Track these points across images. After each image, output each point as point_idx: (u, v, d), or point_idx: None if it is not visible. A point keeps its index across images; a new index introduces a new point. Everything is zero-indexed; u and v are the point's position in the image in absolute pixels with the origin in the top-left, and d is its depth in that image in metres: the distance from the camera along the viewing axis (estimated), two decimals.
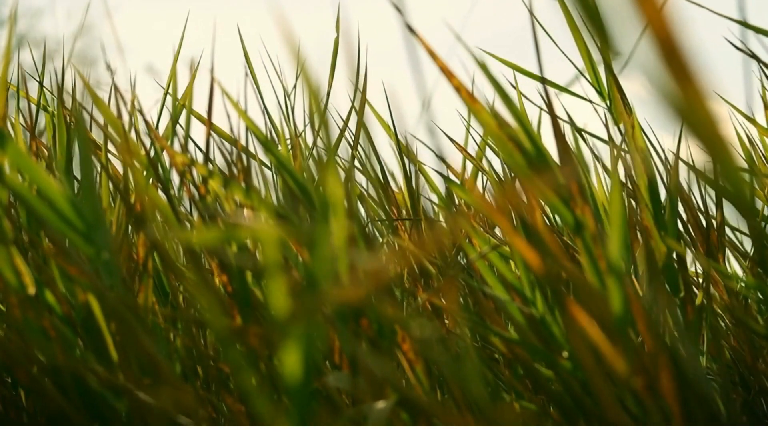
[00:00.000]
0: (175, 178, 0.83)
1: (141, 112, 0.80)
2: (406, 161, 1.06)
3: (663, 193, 0.84)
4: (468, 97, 0.64)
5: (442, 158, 1.30)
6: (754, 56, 0.87)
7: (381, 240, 1.05)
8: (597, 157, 0.91)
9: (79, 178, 0.90)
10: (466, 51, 0.70)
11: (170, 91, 0.90)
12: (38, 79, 0.99)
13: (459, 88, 0.64)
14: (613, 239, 0.61)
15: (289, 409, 0.49)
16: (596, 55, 0.84)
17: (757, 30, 0.84)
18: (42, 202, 0.56)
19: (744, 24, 0.81)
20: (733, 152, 0.34)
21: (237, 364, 0.51)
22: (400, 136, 1.09)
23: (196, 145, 0.96)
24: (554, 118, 0.67)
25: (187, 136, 0.88)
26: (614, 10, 0.34)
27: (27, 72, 1.03)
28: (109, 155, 0.86)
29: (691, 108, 0.32)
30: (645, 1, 0.31)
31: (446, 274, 0.84)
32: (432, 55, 0.64)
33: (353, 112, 1.05)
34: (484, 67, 0.64)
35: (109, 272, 0.56)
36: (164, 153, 0.83)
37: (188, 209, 0.86)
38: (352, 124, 1.05)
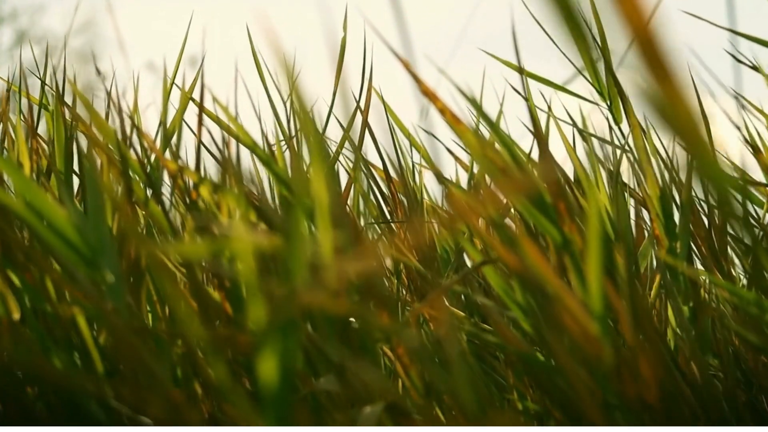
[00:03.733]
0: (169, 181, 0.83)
1: (133, 119, 0.80)
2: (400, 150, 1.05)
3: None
4: (452, 119, 0.63)
5: (448, 149, 1.29)
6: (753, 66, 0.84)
7: (375, 236, 1.05)
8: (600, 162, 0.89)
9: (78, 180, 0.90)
10: (458, 69, 0.68)
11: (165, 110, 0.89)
12: (39, 76, 0.99)
13: (443, 111, 0.63)
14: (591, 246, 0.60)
15: (268, 416, 0.49)
16: (596, 54, 0.82)
17: (747, 37, 0.81)
18: (47, 228, 0.57)
19: (733, 31, 0.79)
20: (710, 148, 0.34)
21: (220, 373, 0.51)
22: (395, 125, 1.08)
23: (203, 145, 0.95)
24: (539, 133, 0.66)
25: (181, 123, 0.88)
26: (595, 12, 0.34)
27: (28, 69, 1.03)
28: (100, 159, 0.86)
29: (670, 105, 0.31)
30: (626, 3, 0.31)
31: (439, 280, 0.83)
32: (416, 80, 0.63)
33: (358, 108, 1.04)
34: (473, 102, 0.63)
35: (115, 295, 0.57)
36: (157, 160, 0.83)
37: (179, 212, 0.86)
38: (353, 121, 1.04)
